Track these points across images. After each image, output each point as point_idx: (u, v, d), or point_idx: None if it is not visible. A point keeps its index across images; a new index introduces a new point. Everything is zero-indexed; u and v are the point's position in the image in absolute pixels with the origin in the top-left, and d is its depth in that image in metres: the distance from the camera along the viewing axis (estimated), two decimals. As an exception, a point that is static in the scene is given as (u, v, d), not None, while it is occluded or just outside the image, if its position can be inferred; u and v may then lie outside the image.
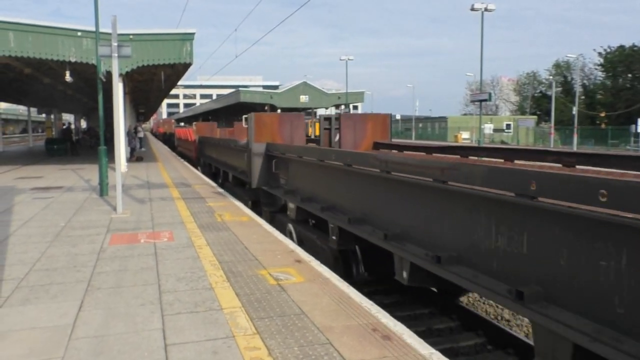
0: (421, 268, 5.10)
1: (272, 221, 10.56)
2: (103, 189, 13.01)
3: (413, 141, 51.54)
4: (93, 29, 14.77)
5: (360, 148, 10.66)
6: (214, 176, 19.44)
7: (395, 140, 11.98)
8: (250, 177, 11.39)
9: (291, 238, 9.09)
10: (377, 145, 10.76)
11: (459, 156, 8.59)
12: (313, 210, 8.16)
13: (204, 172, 20.93)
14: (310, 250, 7.67)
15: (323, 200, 8.01)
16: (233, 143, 15.38)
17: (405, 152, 9.98)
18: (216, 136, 23.90)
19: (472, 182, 4.41)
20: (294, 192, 9.48)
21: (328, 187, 7.94)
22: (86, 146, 39.21)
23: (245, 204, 12.15)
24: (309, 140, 19.67)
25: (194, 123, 31.29)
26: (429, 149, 9.97)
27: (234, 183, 15.54)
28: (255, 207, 12.00)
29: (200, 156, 24.29)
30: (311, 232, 8.78)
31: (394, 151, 9.96)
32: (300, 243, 8.63)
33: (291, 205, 9.39)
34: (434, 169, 4.93)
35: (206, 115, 75.35)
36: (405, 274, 5.39)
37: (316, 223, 9.05)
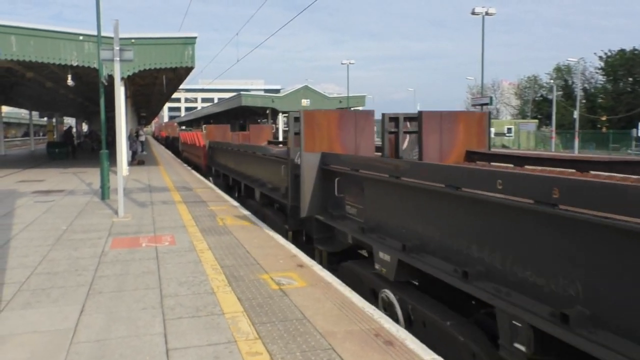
0: None
1: (334, 270, 7.13)
2: (104, 193, 13.01)
3: (511, 150, 42.54)
4: (95, 33, 14.78)
5: (448, 159, 7.91)
6: (228, 189, 16.55)
7: (494, 150, 8.56)
8: (291, 199, 8.66)
9: (391, 314, 5.51)
10: (470, 156, 8.05)
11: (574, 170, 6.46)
12: (443, 275, 4.77)
13: (216, 184, 17.49)
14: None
15: (457, 253, 4.68)
16: (262, 151, 12.24)
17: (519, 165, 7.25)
18: (229, 140, 20.30)
19: None
20: (381, 230, 6.12)
21: (468, 231, 4.57)
22: (88, 150, 39.25)
23: (283, 234, 9.09)
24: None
25: (204, 126, 27.20)
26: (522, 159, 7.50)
27: (262, 202, 11.86)
28: (300, 241, 9.07)
29: (211, 164, 21.06)
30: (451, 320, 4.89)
31: (509, 165, 7.39)
32: (409, 326, 5.35)
33: (384, 257, 5.79)
34: None
35: (207, 119, 75.27)
36: None
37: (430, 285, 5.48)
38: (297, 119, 8.66)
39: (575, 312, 3.40)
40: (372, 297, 6.11)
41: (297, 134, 8.44)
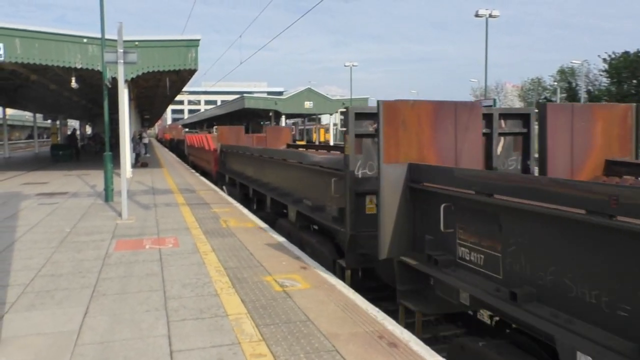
0: None
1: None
2: (108, 195, 13.03)
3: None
4: (99, 35, 14.84)
5: (581, 173, 6.11)
6: (246, 200, 14.12)
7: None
8: (350, 226, 6.68)
9: None
10: (612, 168, 6.26)
11: None
12: None
13: (230, 194, 15.41)
14: None
15: None
16: (299, 158, 9.65)
17: None
18: (242, 143, 17.90)
19: None
20: (555, 299, 3.85)
21: None
22: (92, 152, 39.33)
23: (339, 274, 6.98)
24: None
25: (215, 127, 23.26)
26: None
27: (300, 225, 9.36)
28: (361, 284, 6.98)
29: (223, 171, 18.23)
30: None
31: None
32: None
33: None
34: None
35: (211, 121, 75.36)
36: None
37: None
38: (362, 116, 6.87)
39: None
40: None
41: (361, 136, 6.85)
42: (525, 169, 7.22)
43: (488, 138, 6.78)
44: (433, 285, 5.40)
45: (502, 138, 6.86)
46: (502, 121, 6.89)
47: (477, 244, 4.71)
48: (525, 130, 7.20)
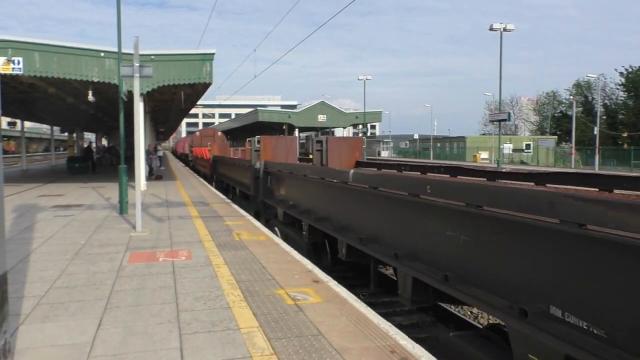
0: None
1: None
2: (123, 207, 13.13)
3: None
4: (116, 49, 15.06)
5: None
6: (314, 251, 9.77)
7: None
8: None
9: None
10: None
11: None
12: None
13: (286, 237, 10.88)
14: None
15: None
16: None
17: None
18: (292, 160, 14.31)
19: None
20: None
21: None
22: (107, 165, 39.73)
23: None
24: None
25: (258, 137, 14.62)
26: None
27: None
28: None
29: (269, 199, 13.05)
30: None
31: None
32: None
33: None
34: None
35: (224, 135, 75.66)
36: None
37: None
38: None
39: None
40: None
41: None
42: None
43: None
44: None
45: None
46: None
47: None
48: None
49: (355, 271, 8.86)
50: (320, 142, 14.25)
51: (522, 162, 62.40)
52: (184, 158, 55.44)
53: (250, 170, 14.59)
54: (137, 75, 10.66)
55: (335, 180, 8.30)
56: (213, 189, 20.67)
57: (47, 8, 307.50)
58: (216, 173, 25.58)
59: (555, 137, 75.82)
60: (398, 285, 6.23)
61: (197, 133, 47.81)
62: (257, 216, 13.63)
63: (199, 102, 33.97)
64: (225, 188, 22.16)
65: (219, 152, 26.91)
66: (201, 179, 26.80)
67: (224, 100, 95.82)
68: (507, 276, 4.26)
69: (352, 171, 7.43)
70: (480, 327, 7.00)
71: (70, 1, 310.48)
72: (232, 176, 20.18)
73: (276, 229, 11.78)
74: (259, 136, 14.46)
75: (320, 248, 9.66)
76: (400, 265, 6.00)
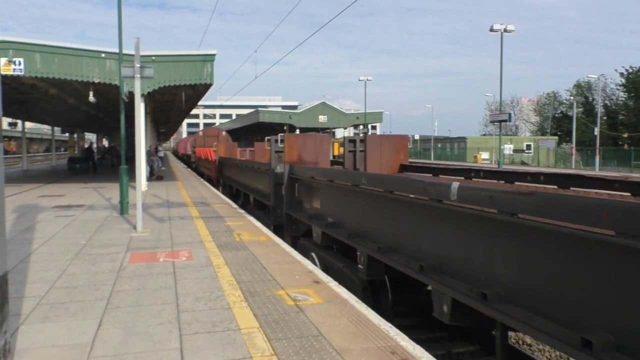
0: None
1: None
2: (123, 208, 13.14)
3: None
4: (116, 50, 15.08)
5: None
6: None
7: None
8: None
9: None
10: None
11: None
12: None
13: (327, 268, 8.40)
14: None
15: None
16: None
17: None
18: (317, 162, 11.53)
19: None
20: None
21: None
22: (108, 165, 39.76)
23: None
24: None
25: (281, 136, 12.21)
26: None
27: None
28: None
29: (294, 212, 10.66)
30: None
31: None
32: None
33: None
34: None
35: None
36: None
37: None
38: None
39: None
40: None
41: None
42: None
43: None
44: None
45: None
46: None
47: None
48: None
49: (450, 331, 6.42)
50: (353, 141, 12.12)
51: (523, 163, 62.40)
52: (185, 159, 52.56)
53: (268, 175, 12.43)
54: (138, 76, 10.66)
55: (425, 198, 5.49)
56: (214, 190, 20.65)
57: (48, 9, 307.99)
58: (223, 176, 23.20)
59: (556, 137, 75.81)
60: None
61: (200, 132, 45.14)
62: (277, 231, 11.43)
63: (200, 103, 33.89)
64: (235, 194, 19.61)
65: (225, 153, 23.88)
66: (203, 181, 26.75)
67: (225, 101, 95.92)
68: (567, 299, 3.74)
69: (456, 185, 4.92)
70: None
71: (70, 2, 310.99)
72: (243, 181, 17.75)
73: (313, 255, 8.95)
74: (282, 134, 11.83)
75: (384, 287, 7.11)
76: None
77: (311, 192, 9.83)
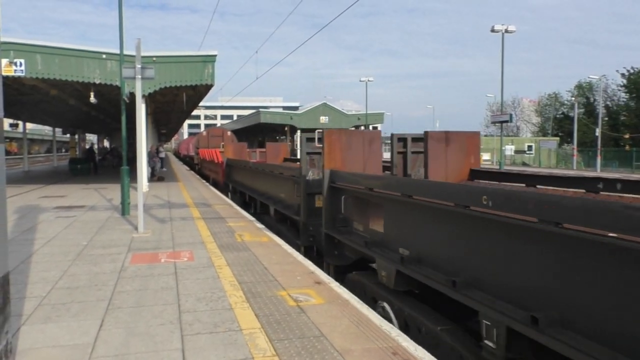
0: None
1: None
2: (125, 209, 13.14)
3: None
4: (117, 51, 15.09)
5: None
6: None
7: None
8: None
9: None
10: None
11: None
12: None
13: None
14: None
15: None
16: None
17: None
18: (364, 166, 9.00)
19: None
20: None
21: None
22: (109, 166, 39.79)
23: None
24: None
25: (319, 132, 9.57)
26: None
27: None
28: None
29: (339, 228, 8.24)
30: None
31: None
32: None
33: None
34: None
35: None
36: None
37: None
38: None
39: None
40: None
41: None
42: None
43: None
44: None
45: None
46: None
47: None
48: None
49: None
50: (403, 140, 9.50)
51: (524, 164, 62.39)
52: (188, 160, 50.01)
53: (296, 182, 10.48)
54: (139, 77, 10.66)
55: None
56: (215, 191, 20.64)
57: (48, 10, 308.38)
58: (232, 181, 20.84)
59: (557, 138, 75.76)
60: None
61: (204, 132, 42.70)
62: (308, 253, 9.51)
63: (201, 104, 33.84)
64: (247, 202, 17.41)
65: (234, 155, 21.88)
66: (205, 182, 26.71)
67: (226, 102, 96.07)
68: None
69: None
70: None
71: (71, 3, 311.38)
72: (259, 188, 15.36)
73: (385, 306, 6.28)
74: (319, 130, 9.36)
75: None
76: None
77: (367, 208, 7.37)
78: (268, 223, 12.76)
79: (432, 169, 9.16)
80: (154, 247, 9.05)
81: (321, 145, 8.89)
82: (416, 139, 9.56)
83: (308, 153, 9.92)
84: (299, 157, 12.23)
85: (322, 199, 8.81)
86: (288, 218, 11.83)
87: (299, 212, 9.99)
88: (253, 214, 14.10)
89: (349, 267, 7.96)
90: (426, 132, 9.19)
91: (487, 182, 8.86)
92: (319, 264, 8.33)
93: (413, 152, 9.48)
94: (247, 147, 23.37)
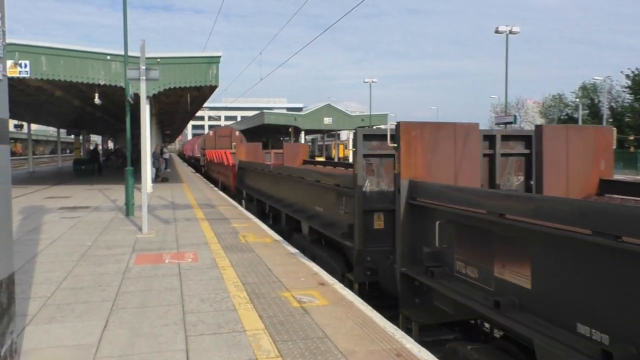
0: None
1: None
2: (129, 209, 13.17)
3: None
4: (122, 52, 15.13)
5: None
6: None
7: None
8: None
9: None
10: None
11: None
12: None
13: None
14: None
15: None
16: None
17: None
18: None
19: None
20: None
21: None
22: (113, 167, 39.86)
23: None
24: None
25: (356, 131, 7.39)
26: None
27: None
28: None
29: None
30: None
31: None
32: None
33: None
34: None
35: None
36: None
37: None
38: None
39: None
40: None
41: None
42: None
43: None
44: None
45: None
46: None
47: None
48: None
49: None
50: (491, 137, 7.27)
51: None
52: (193, 162, 46.88)
53: (344, 195, 8.04)
54: (144, 78, 10.69)
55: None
56: (219, 192, 20.64)
57: (52, 12, 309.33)
58: (245, 187, 18.24)
59: (562, 140, 75.53)
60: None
61: (210, 132, 39.69)
62: (362, 290, 7.27)
63: (205, 105, 33.79)
64: (266, 213, 14.50)
65: (247, 157, 19.41)
66: (209, 183, 26.70)
67: (230, 103, 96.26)
68: None
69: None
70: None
71: (74, 5, 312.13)
72: (285, 197, 12.38)
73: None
74: (392, 124, 6.59)
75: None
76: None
77: (491, 244, 4.72)
78: (299, 243, 10.18)
79: (548, 180, 6.64)
80: (158, 248, 9.06)
81: (395, 145, 6.27)
82: (507, 137, 7.46)
83: (365, 156, 7.36)
84: (316, 158, 10.72)
85: (381, 219, 7.06)
86: (327, 239, 9.29)
87: (351, 234, 7.51)
88: (275, 229, 11.57)
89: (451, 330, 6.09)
90: (539, 127, 6.85)
91: (621, 197, 6.68)
92: (381, 309, 5.90)
93: (503, 155, 7.35)
94: (261, 147, 20.85)
